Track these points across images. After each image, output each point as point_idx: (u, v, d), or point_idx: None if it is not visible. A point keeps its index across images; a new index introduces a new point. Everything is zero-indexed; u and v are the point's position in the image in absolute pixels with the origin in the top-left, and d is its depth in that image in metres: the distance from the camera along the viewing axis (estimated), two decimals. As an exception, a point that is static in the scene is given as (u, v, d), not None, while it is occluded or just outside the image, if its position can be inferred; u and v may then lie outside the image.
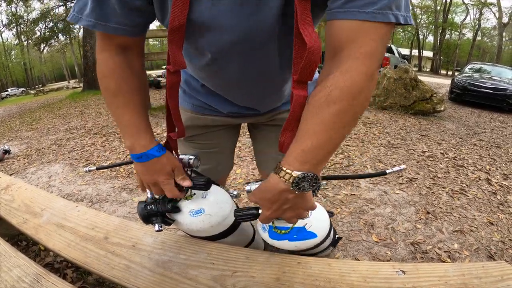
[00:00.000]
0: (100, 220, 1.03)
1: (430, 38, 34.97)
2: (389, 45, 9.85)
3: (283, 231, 0.71)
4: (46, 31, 16.06)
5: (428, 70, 32.11)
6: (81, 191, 2.24)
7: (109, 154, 3.00)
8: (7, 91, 29.33)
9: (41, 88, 21.13)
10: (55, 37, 16.69)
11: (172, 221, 0.76)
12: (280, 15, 0.51)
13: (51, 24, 16.19)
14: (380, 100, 5.00)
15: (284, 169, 0.50)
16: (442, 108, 4.78)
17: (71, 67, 39.00)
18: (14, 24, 19.89)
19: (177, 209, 0.75)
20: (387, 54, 7.34)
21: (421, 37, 32.90)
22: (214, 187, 0.78)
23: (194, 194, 0.75)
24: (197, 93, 0.81)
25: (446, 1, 26.38)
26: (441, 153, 2.92)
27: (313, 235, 0.74)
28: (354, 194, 2.03)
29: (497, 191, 2.12)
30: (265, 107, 0.81)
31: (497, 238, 1.57)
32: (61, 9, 16.22)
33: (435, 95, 4.79)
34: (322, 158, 0.50)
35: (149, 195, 0.74)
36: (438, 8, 27.42)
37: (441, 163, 2.62)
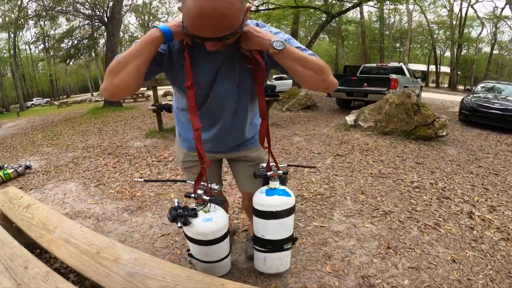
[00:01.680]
0: (96, 239, 1.36)
1: (448, 54, 34.40)
2: (399, 65, 9.62)
3: (274, 187, 1.27)
4: (71, 49, 17.12)
5: (446, 86, 31.50)
6: (90, 209, 2.49)
7: (118, 176, 3.22)
8: (32, 100, 30.87)
9: (65, 101, 22.33)
10: (79, 54, 17.73)
11: (189, 223, 1.14)
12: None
13: (75, 41, 17.27)
14: (381, 126, 5.04)
15: (276, 40, 0.88)
16: (444, 133, 4.73)
17: (95, 79, 40.51)
18: (40, 42, 21.43)
19: (196, 215, 1.14)
20: (395, 76, 7.03)
21: (438, 52, 32.46)
22: (220, 209, 1.22)
23: (210, 210, 1.17)
24: (187, 138, 1.27)
25: (461, 16, 26.10)
26: (430, 183, 2.89)
27: (289, 194, 1.29)
28: (323, 226, 2.08)
29: (475, 225, 2.09)
30: (229, 145, 1.27)
31: (454, 277, 1.57)
32: (86, 26, 17.31)
33: (437, 120, 4.76)
34: (293, 55, 0.90)
35: (176, 204, 1.15)
36: (454, 22, 27.11)
37: (426, 195, 2.62)
